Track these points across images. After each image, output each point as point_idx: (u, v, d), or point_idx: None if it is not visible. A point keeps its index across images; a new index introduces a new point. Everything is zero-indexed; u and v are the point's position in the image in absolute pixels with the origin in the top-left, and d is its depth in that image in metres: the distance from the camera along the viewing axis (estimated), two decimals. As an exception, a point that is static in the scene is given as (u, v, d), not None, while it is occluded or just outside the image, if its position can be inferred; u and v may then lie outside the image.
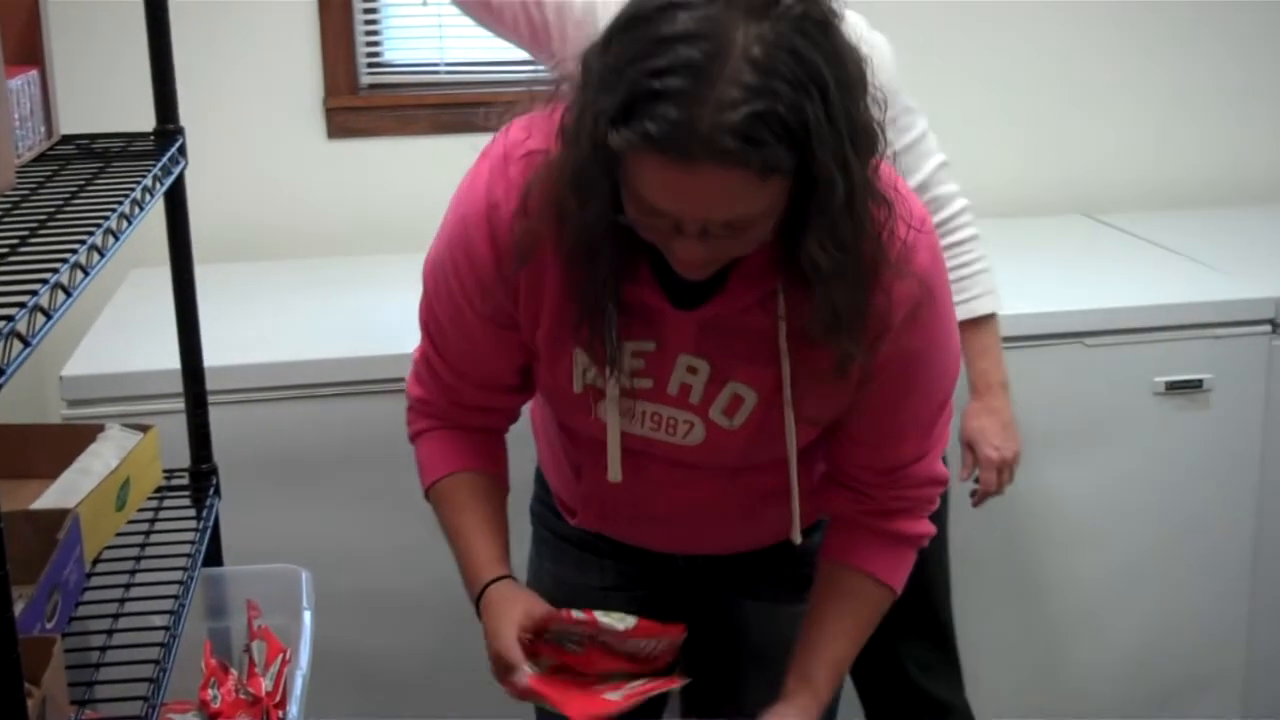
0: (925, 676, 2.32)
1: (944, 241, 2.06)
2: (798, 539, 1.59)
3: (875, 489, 1.58)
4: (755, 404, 1.50)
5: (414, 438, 1.69)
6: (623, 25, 1.26)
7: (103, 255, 1.36)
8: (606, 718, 1.50)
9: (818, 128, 1.22)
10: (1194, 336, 2.53)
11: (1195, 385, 2.53)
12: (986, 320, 2.10)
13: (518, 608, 1.53)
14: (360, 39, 2.98)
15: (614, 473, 1.56)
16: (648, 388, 1.50)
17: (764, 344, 1.46)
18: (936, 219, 2.06)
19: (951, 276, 1.98)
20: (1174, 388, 2.53)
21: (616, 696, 1.52)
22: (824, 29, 1.25)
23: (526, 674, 1.49)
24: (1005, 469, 2.15)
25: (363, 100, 2.98)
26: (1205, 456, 2.58)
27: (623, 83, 1.23)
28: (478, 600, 1.58)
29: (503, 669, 1.51)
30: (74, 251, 1.27)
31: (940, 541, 2.31)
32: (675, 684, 1.57)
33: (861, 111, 1.29)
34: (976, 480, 2.19)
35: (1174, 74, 3.23)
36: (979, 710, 2.48)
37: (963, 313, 2.08)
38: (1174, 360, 2.52)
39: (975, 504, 2.21)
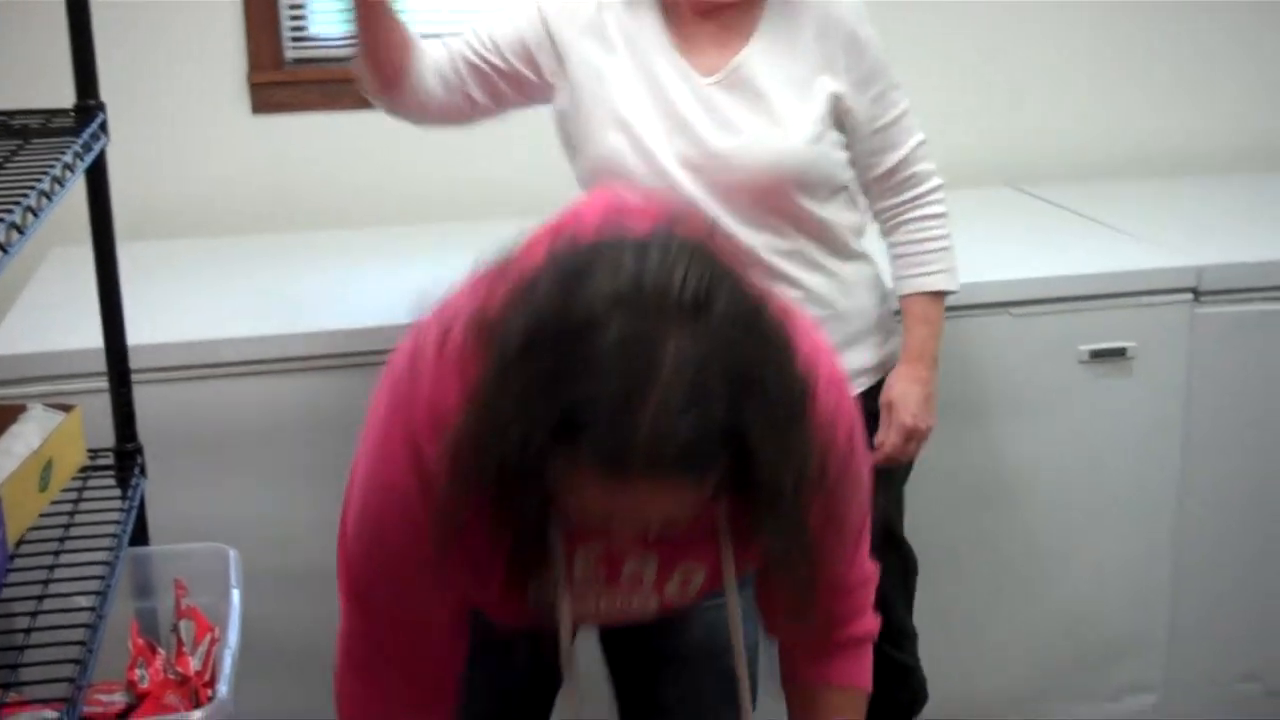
0: (895, 646, 2.35)
1: (916, 214, 2.12)
2: None
3: (825, 607, 1.52)
4: (706, 575, 1.49)
5: None
6: (549, 336, 1.17)
7: (23, 233, 1.34)
8: None
9: (757, 429, 1.18)
10: (1118, 305, 2.56)
11: (1119, 353, 2.57)
12: (938, 296, 2.14)
13: None
14: (285, 13, 2.94)
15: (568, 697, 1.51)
16: (598, 579, 1.47)
17: (709, 531, 1.43)
18: (912, 194, 2.12)
19: (917, 249, 2.05)
20: (1098, 356, 2.56)
21: None
22: (754, 319, 1.20)
23: None
24: (915, 438, 2.17)
25: (288, 75, 2.95)
26: (1129, 423, 2.62)
27: (552, 400, 1.15)
28: None
29: None
30: (-8, 230, 1.25)
31: (899, 512, 2.35)
32: None
33: (797, 386, 1.22)
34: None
35: (1097, 48, 3.26)
36: (930, 673, 2.53)
37: (920, 285, 2.12)
38: (1098, 329, 2.55)
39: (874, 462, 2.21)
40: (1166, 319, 2.58)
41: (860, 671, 1.62)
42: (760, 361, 1.18)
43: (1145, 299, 2.57)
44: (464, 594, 1.49)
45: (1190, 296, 2.58)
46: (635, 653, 1.80)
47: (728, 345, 1.16)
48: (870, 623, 1.61)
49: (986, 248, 2.75)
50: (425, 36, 2.06)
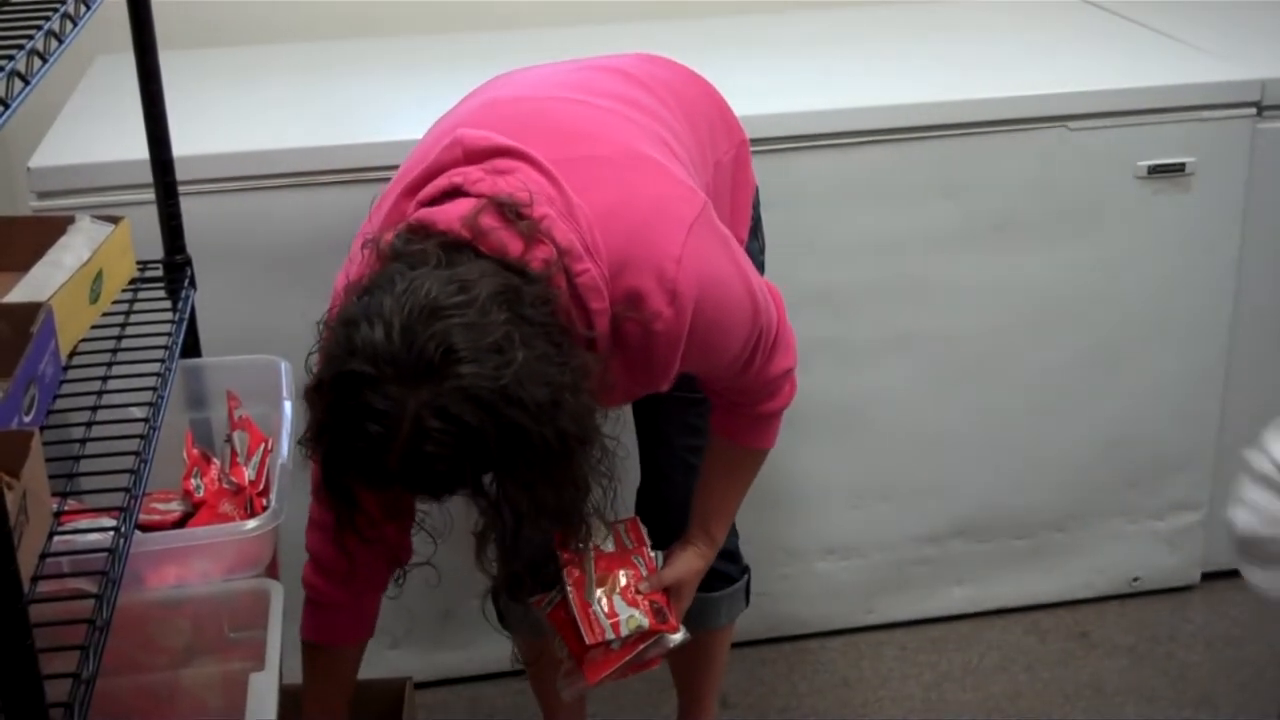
0: None
1: None
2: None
3: (733, 395, 1.79)
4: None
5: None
6: (327, 386, 1.41)
7: (61, 41, 1.32)
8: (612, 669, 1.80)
9: (507, 458, 1.42)
10: (1178, 119, 2.50)
11: (1178, 169, 2.51)
12: None
13: None
14: None
15: None
16: None
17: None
18: None
19: None
20: (1157, 171, 2.51)
21: (617, 645, 1.79)
22: (497, 366, 1.37)
23: None
24: None
25: (330, -123, 2.88)
26: (1186, 240, 2.58)
27: (323, 445, 1.45)
28: None
29: None
30: (30, 37, 1.23)
31: None
32: (673, 631, 1.82)
33: (548, 392, 1.40)
34: None
35: None
36: (977, 486, 2.55)
37: None
38: (1157, 143, 2.50)
39: None
40: (1228, 134, 2.52)
41: (768, 436, 1.86)
42: (500, 403, 1.37)
43: (1206, 113, 2.50)
44: None
45: (1253, 111, 2.51)
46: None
47: (464, 400, 1.36)
48: (780, 402, 1.81)
49: (1044, 59, 2.69)
50: None
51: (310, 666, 1.84)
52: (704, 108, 1.88)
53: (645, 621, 1.79)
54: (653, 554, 1.86)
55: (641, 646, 1.81)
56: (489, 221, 1.47)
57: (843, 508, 2.64)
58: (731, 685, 2.40)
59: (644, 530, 1.88)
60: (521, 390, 1.37)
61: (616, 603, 1.79)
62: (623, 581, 1.80)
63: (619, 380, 1.58)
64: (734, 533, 2.10)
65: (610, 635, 1.77)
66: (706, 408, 1.87)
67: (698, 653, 2.06)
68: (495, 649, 2.08)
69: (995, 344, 2.59)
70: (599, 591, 1.78)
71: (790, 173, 2.35)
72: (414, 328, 1.36)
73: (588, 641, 1.77)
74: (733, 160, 1.89)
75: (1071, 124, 2.47)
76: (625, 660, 1.80)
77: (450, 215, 1.49)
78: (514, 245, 1.46)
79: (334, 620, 1.82)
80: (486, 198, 1.50)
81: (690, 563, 1.88)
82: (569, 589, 1.78)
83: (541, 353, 1.41)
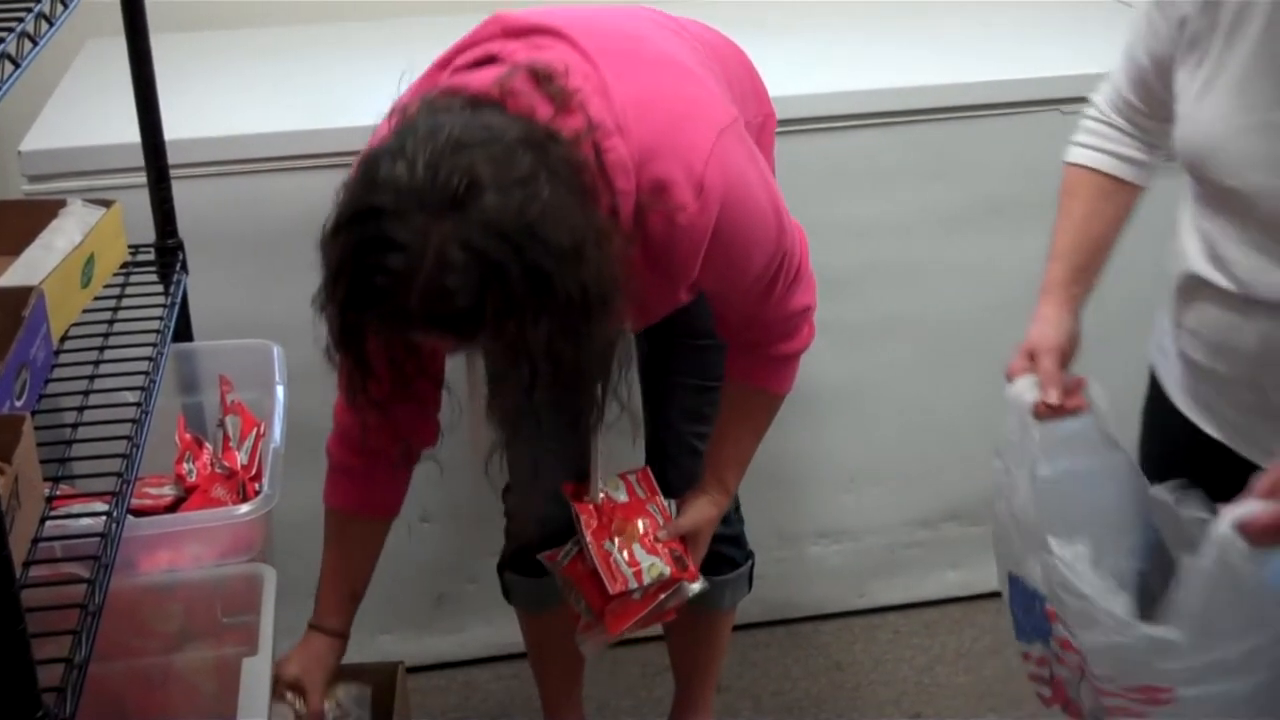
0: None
1: None
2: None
3: (751, 332, 1.78)
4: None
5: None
6: (346, 223, 1.39)
7: (52, 24, 1.32)
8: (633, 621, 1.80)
9: (520, 296, 1.36)
10: (1172, 103, 2.50)
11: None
12: None
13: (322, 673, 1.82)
14: None
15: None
16: None
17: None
18: None
19: None
20: (1150, 156, 2.51)
21: (638, 595, 1.78)
22: (521, 203, 1.33)
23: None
24: None
25: None
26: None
27: (343, 283, 1.40)
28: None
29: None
30: (20, 20, 1.23)
31: None
32: (693, 579, 1.83)
33: (568, 239, 1.36)
34: None
35: None
36: (970, 470, 2.58)
37: None
38: (1151, 127, 2.49)
39: None
40: (1222, 116, 2.51)
41: (783, 380, 1.85)
42: (524, 239, 1.33)
43: (1200, 96, 2.50)
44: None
45: (1248, 93, 2.51)
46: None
47: (489, 233, 1.32)
48: (798, 343, 1.81)
49: (1037, 43, 2.68)
50: None
51: (330, 534, 1.85)
52: (738, 70, 1.88)
53: (666, 569, 1.79)
54: (666, 503, 1.86)
55: (662, 596, 1.81)
56: (521, 85, 1.45)
57: (836, 491, 2.64)
58: (725, 669, 2.40)
59: (654, 480, 1.88)
60: (545, 229, 1.34)
61: (636, 551, 1.79)
62: (641, 530, 1.81)
63: (640, 279, 1.53)
64: (740, 519, 2.10)
65: (633, 584, 1.77)
66: (715, 395, 1.87)
67: (698, 637, 2.06)
68: (486, 634, 2.08)
69: (989, 327, 2.58)
70: (618, 540, 1.79)
71: (784, 156, 2.33)
72: (439, 161, 1.33)
73: (611, 591, 1.77)
74: (759, 128, 1.88)
75: (1064, 107, 2.47)
76: (646, 610, 1.81)
77: (484, 78, 1.46)
78: (543, 109, 1.44)
79: (352, 488, 1.83)
80: (522, 64, 1.48)
81: (704, 510, 1.88)
82: (587, 538, 1.78)
83: (566, 198, 1.38)
